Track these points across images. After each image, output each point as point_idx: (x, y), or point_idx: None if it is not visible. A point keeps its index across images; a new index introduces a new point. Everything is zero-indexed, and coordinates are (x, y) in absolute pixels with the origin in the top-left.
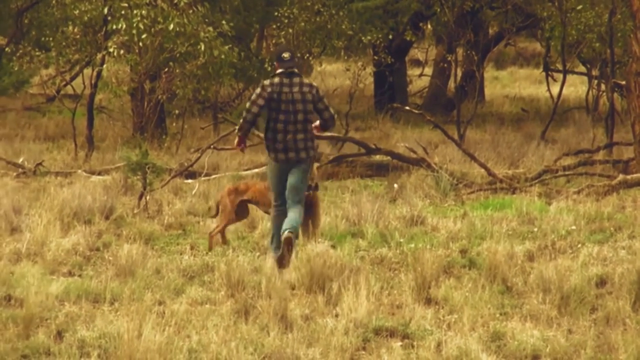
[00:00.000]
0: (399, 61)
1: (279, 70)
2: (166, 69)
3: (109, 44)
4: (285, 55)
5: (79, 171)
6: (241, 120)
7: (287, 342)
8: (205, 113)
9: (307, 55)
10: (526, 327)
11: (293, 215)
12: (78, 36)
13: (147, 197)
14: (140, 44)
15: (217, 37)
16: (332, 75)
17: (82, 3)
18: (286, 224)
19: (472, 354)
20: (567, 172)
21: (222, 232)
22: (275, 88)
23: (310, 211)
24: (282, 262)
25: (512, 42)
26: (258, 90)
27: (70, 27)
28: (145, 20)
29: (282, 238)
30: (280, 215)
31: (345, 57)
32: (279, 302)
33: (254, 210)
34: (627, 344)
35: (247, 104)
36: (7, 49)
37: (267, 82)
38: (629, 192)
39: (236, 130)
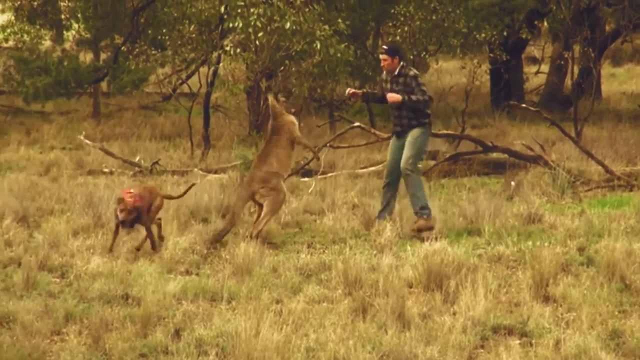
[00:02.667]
0: (515, 58)
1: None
2: (282, 67)
3: (225, 43)
4: None
5: (195, 170)
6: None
7: (405, 340)
8: (321, 111)
9: (424, 53)
10: None
11: None
12: (194, 35)
13: None
14: (257, 42)
15: (333, 35)
16: (448, 72)
17: (199, 1)
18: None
19: (591, 352)
20: None
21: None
22: None
23: None
24: None
25: (629, 39)
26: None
27: (186, 26)
28: (261, 19)
29: None
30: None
31: (461, 55)
32: (396, 300)
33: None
34: None
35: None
36: (123, 47)
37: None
38: None
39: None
